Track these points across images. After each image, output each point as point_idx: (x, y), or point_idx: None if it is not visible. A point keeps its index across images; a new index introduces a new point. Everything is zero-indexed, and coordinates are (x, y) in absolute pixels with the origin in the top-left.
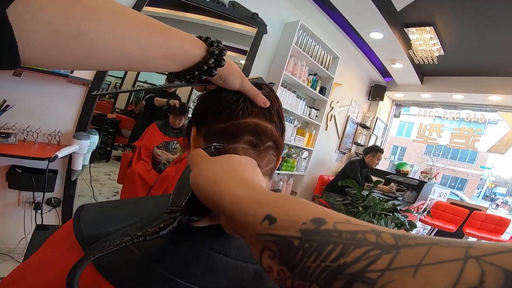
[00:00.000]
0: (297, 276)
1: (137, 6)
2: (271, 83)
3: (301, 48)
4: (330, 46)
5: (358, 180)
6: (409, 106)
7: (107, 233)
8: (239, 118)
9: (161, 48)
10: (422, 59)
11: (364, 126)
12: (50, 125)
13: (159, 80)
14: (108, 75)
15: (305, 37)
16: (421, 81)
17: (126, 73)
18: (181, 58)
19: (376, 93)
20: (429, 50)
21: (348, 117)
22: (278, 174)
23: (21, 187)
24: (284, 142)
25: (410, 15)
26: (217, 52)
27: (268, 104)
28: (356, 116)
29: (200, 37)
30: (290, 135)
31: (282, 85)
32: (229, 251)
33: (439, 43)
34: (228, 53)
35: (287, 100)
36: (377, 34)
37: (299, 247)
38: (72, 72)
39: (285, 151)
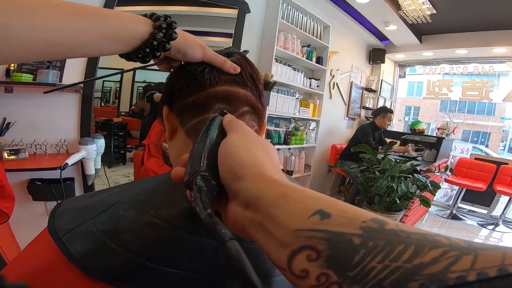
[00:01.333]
0: (350, 280)
1: (107, 6)
2: (244, 51)
3: (288, 22)
4: (318, 16)
5: (371, 144)
6: (413, 65)
7: (76, 224)
8: (207, 88)
9: (97, 31)
10: (415, 19)
11: (369, 90)
12: (55, 136)
13: (161, 79)
14: (106, 81)
15: (290, 10)
16: (420, 40)
17: (122, 76)
18: (124, 37)
19: (376, 56)
20: (420, 10)
21: (351, 83)
22: (289, 149)
23: (44, 198)
24: (291, 116)
25: None
26: (166, 26)
27: (238, 69)
28: (359, 81)
29: (145, 15)
30: (294, 108)
31: (276, 60)
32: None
33: (428, 2)
34: (215, 38)
35: (284, 74)
36: None
37: (361, 246)
38: (61, 80)
39: (292, 125)
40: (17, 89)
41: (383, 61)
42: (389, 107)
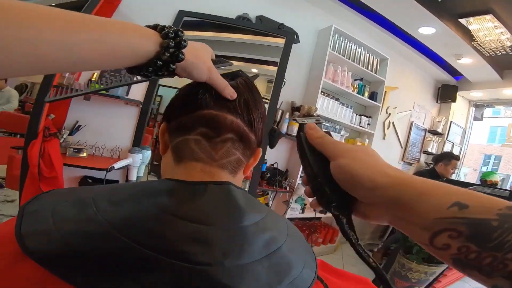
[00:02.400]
0: (489, 249)
1: None
2: (255, 75)
3: (339, 53)
4: (374, 47)
5: None
6: (493, 105)
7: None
8: (196, 110)
9: (97, 47)
10: (493, 51)
11: (434, 133)
12: (113, 142)
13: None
14: (158, 95)
15: (342, 41)
16: (501, 76)
17: None
18: (127, 55)
19: (445, 94)
20: (498, 40)
21: (411, 123)
22: None
23: None
24: None
25: (460, 4)
26: (173, 45)
27: (235, 96)
28: (422, 122)
29: (155, 27)
30: None
31: (323, 93)
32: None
33: (508, 32)
34: (264, 66)
35: (330, 108)
36: (428, 29)
37: (498, 227)
38: (127, 94)
39: None
40: (93, 98)
41: (454, 100)
42: (456, 154)
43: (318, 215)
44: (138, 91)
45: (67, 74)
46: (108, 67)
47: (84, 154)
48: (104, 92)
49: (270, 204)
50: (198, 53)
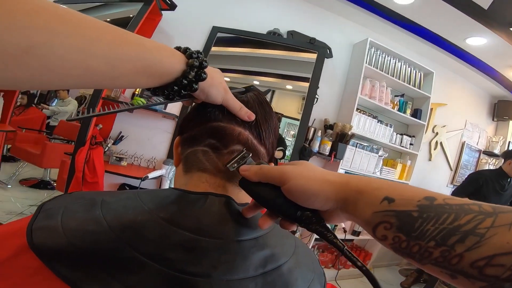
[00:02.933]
0: (414, 238)
1: (207, 47)
2: (267, 90)
3: (377, 68)
4: (416, 61)
5: (459, 191)
6: None
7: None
8: (205, 122)
9: (135, 63)
10: None
11: (490, 154)
12: (150, 153)
13: None
14: None
15: (379, 55)
16: None
17: None
18: (158, 73)
19: (502, 111)
20: None
21: (463, 144)
22: None
23: None
24: (370, 175)
25: (510, 11)
26: (198, 64)
27: (253, 117)
28: (476, 142)
29: (179, 48)
30: (375, 167)
31: (359, 111)
32: None
33: None
34: (296, 82)
35: (367, 127)
36: (477, 40)
37: (418, 217)
38: (165, 108)
39: None
40: (136, 110)
41: None
42: None
43: (350, 237)
44: (174, 105)
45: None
46: (139, 84)
47: (124, 163)
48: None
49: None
50: (214, 75)
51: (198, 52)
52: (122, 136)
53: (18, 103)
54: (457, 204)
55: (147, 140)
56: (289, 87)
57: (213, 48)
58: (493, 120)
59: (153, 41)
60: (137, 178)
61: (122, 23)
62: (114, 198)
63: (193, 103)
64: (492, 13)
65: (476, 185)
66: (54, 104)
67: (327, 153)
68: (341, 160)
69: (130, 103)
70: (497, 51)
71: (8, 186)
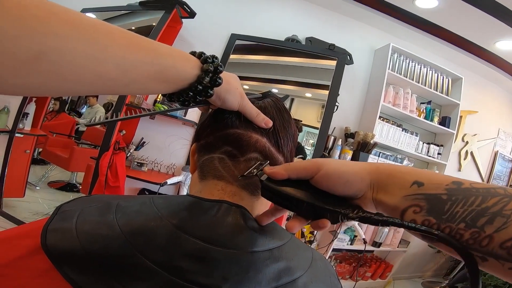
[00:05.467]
0: (444, 220)
1: (225, 54)
2: (285, 96)
3: (400, 74)
4: (443, 66)
5: None
6: None
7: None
8: (222, 129)
9: (149, 68)
10: None
11: None
12: (170, 159)
13: None
14: None
15: (403, 61)
16: None
17: None
18: (173, 78)
19: None
20: None
21: (496, 153)
22: None
23: None
24: None
25: None
26: (212, 69)
27: (270, 124)
28: (510, 152)
29: (194, 53)
30: None
31: (382, 119)
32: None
33: None
34: (315, 90)
35: (391, 135)
36: (507, 43)
37: (448, 200)
38: (185, 115)
39: None
40: (157, 117)
41: None
42: None
43: (370, 247)
44: (194, 112)
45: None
46: (152, 91)
47: (145, 169)
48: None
49: (314, 234)
50: (230, 80)
51: (213, 56)
52: (144, 142)
53: (51, 109)
54: (483, 188)
55: (167, 147)
56: (308, 95)
57: (232, 56)
58: None
59: (167, 46)
60: (157, 184)
61: (145, 31)
62: (129, 203)
63: (210, 110)
64: None
65: None
66: (83, 111)
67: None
68: None
69: (152, 109)
70: None
71: (37, 187)
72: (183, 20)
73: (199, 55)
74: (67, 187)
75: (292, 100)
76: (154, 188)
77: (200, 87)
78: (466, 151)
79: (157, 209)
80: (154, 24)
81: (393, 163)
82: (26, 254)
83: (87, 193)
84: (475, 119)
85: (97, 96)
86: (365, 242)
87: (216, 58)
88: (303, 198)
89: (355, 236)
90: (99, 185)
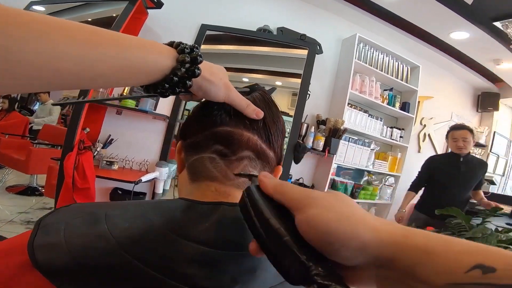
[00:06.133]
0: None
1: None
2: (272, 88)
3: (366, 63)
4: (403, 55)
5: (415, 182)
6: None
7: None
8: (211, 127)
9: (115, 62)
10: None
11: (476, 145)
12: (142, 155)
13: None
14: (186, 109)
15: (368, 50)
16: None
17: None
18: (144, 71)
19: (486, 102)
20: None
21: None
22: (358, 203)
23: None
24: (363, 168)
25: (493, 6)
26: (189, 59)
27: (261, 115)
28: None
29: (171, 44)
30: (367, 160)
31: (350, 106)
32: None
33: None
34: (285, 78)
35: (358, 121)
36: (461, 34)
37: None
38: (155, 109)
39: (364, 178)
40: (124, 112)
41: (496, 108)
42: (461, 124)
43: None
44: (165, 106)
45: (101, 89)
46: (125, 84)
47: (115, 167)
48: (133, 106)
49: None
50: (213, 70)
51: (192, 47)
52: (112, 139)
53: (0, 108)
54: None
55: (137, 143)
56: (278, 83)
57: (203, 46)
58: (477, 111)
59: (137, 38)
60: (130, 182)
61: (106, 23)
62: (118, 211)
63: (190, 100)
64: (476, 8)
65: (428, 171)
66: (36, 108)
67: (321, 149)
68: (335, 155)
69: (61, 98)
70: (480, 45)
71: None
72: (149, 10)
73: (177, 45)
74: (28, 191)
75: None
76: (127, 186)
77: (176, 79)
78: (424, 134)
79: (151, 216)
80: (114, 15)
81: (362, 147)
82: (20, 272)
83: (53, 196)
84: (431, 104)
85: (48, 92)
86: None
87: (197, 48)
88: (270, 223)
89: None
90: (67, 188)
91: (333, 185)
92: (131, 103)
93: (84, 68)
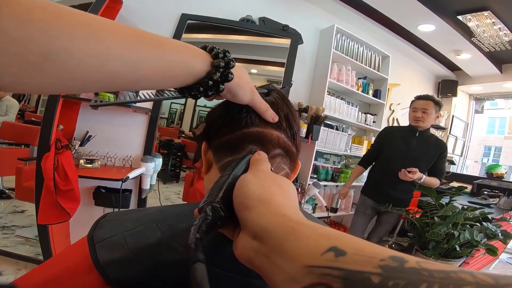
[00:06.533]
0: None
1: (177, 34)
2: (283, 87)
3: (342, 53)
4: (376, 46)
5: (365, 156)
6: (492, 99)
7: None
8: (241, 128)
9: (156, 65)
10: (492, 46)
11: (437, 127)
12: (124, 151)
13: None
14: (173, 103)
15: (344, 40)
16: (500, 70)
17: (186, 99)
18: (181, 74)
19: (446, 89)
20: (496, 36)
21: None
22: (337, 186)
23: (104, 204)
24: (342, 153)
25: (458, 1)
26: (223, 64)
27: (276, 119)
28: None
29: (205, 47)
30: (345, 145)
31: (329, 93)
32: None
33: (506, 28)
34: (270, 67)
35: (337, 108)
36: (427, 26)
37: (380, 285)
38: (136, 103)
39: (342, 162)
40: (101, 107)
41: (454, 94)
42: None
43: (330, 214)
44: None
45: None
46: (162, 86)
47: (97, 165)
48: (112, 101)
49: None
50: (241, 74)
51: (225, 51)
52: (90, 136)
53: None
54: (440, 271)
55: (118, 138)
56: (253, 71)
57: (184, 35)
58: (438, 96)
59: (174, 41)
60: (115, 180)
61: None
62: (170, 219)
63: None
64: (442, 2)
65: (379, 143)
66: None
67: (304, 136)
68: (316, 141)
69: (98, 99)
70: (444, 37)
71: None
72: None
73: (211, 50)
74: None
75: None
76: (111, 185)
77: (211, 83)
78: (393, 118)
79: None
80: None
81: (340, 133)
82: None
83: (29, 200)
84: (399, 90)
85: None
86: (327, 210)
87: (228, 52)
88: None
89: (316, 204)
90: (48, 191)
91: (315, 170)
92: (109, 97)
93: (130, 70)
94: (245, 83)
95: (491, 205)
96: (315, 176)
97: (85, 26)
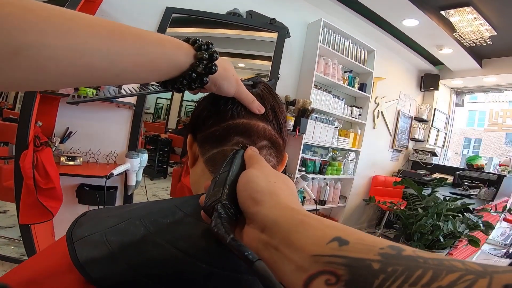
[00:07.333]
0: None
1: (161, 28)
2: (270, 80)
3: (329, 47)
4: (361, 40)
5: None
6: (473, 92)
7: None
8: (227, 120)
9: (137, 58)
10: (473, 41)
11: (420, 120)
12: (107, 147)
13: None
14: (159, 98)
15: (331, 34)
16: (480, 65)
17: (172, 94)
18: (164, 67)
19: (428, 83)
20: (477, 31)
21: (399, 112)
22: (324, 179)
23: (88, 202)
24: (329, 145)
25: None
26: (207, 57)
27: (262, 110)
28: (408, 110)
29: (187, 40)
30: (332, 137)
31: (316, 87)
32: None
33: (487, 23)
34: (257, 61)
35: (323, 101)
36: (411, 21)
37: (380, 271)
38: (118, 98)
39: (329, 155)
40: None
41: (436, 88)
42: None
43: (312, 206)
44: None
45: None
46: (144, 80)
47: (79, 162)
48: (93, 96)
49: None
50: (226, 66)
51: (208, 43)
52: (70, 132)
53: None
54: (434, 258)
55: (101, 134)
56: (241, 65)
57: (169, 29)
58: (420, 90)
59: (157, 34)
60: (99, 177)
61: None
62: (154, 215)
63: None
64: None
65: None
66: None
67: (292, 129)
68: (304, 134)
69: (76, 95)
70: (427, 32)
71: None
72: None
73: (194, 42)
74: None
75: None
76: (94, 182)
77: (195, 75)
78: (378, 111)
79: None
80: None
81: (327, 125)
82: None
83: (8, 199)
84: (383, 84)
85: None
86: (316, 202)
87: (212, 44)
88: (229, 169)
89: (304, 197)
90: (28, 190)
91: (303, 163)
92: (90, 92)
93: (109, 64)
94: (230, 75)
95: (472, 196)
96: (303, 169)
97: (58, 19)
